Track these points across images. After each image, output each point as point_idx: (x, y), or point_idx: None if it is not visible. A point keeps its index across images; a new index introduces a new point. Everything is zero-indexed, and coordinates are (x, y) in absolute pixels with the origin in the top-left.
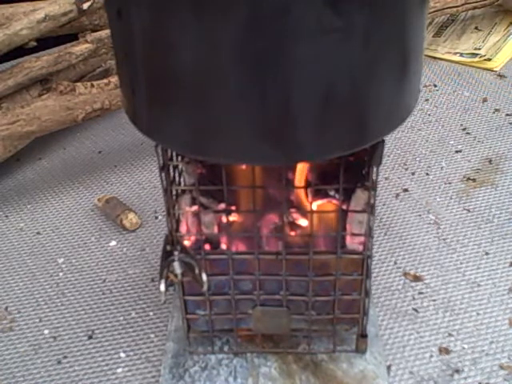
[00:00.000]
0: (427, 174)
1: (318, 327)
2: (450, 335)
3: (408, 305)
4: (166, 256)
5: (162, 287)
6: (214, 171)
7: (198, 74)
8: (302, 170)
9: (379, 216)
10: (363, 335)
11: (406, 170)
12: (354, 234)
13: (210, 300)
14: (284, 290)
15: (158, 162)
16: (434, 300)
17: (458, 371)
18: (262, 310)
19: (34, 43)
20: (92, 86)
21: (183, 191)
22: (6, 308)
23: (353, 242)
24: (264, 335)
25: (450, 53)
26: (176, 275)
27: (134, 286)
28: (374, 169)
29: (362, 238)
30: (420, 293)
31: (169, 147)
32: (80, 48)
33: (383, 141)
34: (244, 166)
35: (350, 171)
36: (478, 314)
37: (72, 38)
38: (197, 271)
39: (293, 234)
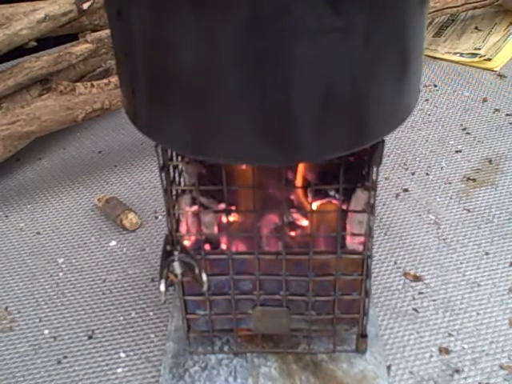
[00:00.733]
0: (427, 174)
1: (318, 327)
2: (450, 335)
3: (408, 305)
4: (166, 256)
5: (162, 287)
6: (214, 171)
7: (197, 73)
8: (302, 170)
9: (379, 216)
10: (363, 335)
11: (406, 169)
12: (353, 234)
13: (210, 300)
14: (284, 290)
15: (158, 162)
16: (434, 300)
17: (457, 371)
18: (262, 310)
19: (34, 43)
20: (92, 86)
21: (183, 191)
22: (6, 308)
23: (353, 242)
24: (264, 335)
25: (449, 53)
26: (176, 275)
27: (134, 286)
28: (374, 169)
29: (361, 238)
30: (420, 293)
31: (169, 147)
32: (80, 48)
33: (383, 141)
34: (244, 166)
35: (350, 171)
36: (478, 313)
37: (72, 38)
38: (197, 271)
39: (293, 233)
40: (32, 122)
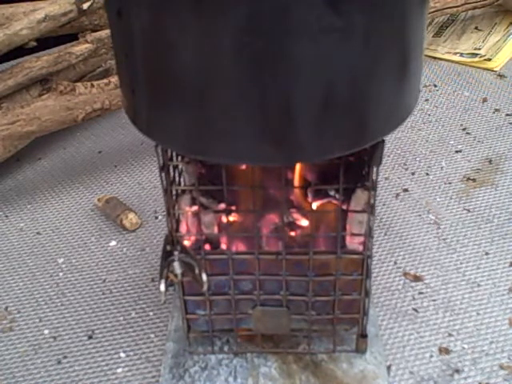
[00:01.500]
0: (427, 174)
1: (318, 327)
2: (450, 335)
3: (408, 305)
4: (166, 256)
5: (162, 287)
6: (214, 171)
7: (197, 73)
8: (302, 170)
9: (379, 216)
10: (363, 335)
11: (406, 170)
12: (353, 234)
13: (210, 300)
14: (284, 290)
15: (158, 162)
16: (434, 300)
17: (458, 371)
18: (262, 310)
19: (34, 43)
20: (92, 86)
21: (183, 191)
22: (6, 308)
23: (353, 242)
24: (264, 335)
25: (450, 53)
26: (176, 275)
27: (134, 286)
28: (374, 169)
29: (361, 238)
30: (420, 293)
31: (169, 147)
32: (80, 48)
33: (383, 141)
34: (244, 166)
35: (350, 171)
36: (478, 313)
37: (72, 38)
38: (197, 271)
39: (293, 234)
40: (32, 122)
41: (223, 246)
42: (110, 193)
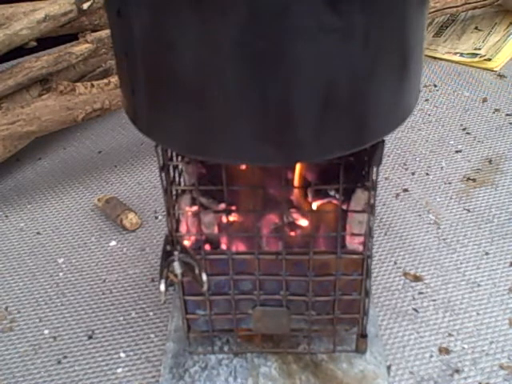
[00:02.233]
0: (427, 174)
1: (318, 327)
2: (450, 335)
3: (408, 305)
4: (166, 256)
5: (162, 287)
6: (214, 171)
7: (197, 73)
8: (302, 170)
9: (379, 216)
10: (363, 335)
11: (406, 170)
12: (353, 234)
13: (210, 300)
14: (284, 290)
15: (158, 162)
16: (434, 300)
17: (458, 371)
18: (262, 310)
19: (34, 43)
20: (92, 86)
21: (183, 191)
22: (6, 308)
23: (353, 242)
24: (264, 335)
25: (450, 53)
26: (176, 275)
27: (134, 286)
28: (374, 169)
29: (361, 238)
30: (420, 293)
31: (169, 147)
32: (80, 48)
33: (383, 141)
34: (244, 166)
35: (350, 171)
36: (478, 313)
37: (72, 37)
38: (197, 271)
39: (293, 234)
40: (32, 122)
41: (223, 246)
42: (110, 193)
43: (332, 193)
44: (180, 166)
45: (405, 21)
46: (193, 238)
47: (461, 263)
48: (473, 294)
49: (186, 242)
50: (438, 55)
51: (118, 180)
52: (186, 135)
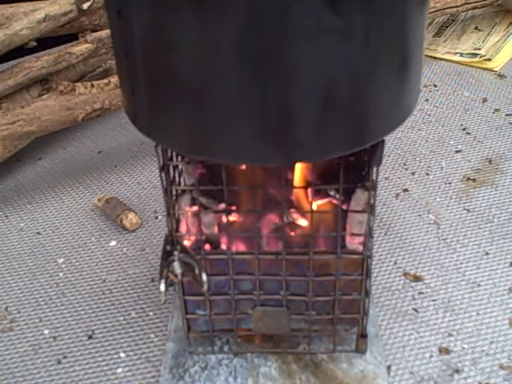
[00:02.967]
0: (427, 174)
1: (318, 327)
2: (450, 335)
3: (408, 305)
4: (166, 256)
5: (162, 287)
6: (214, 171)
7: (197, 73)
8: (302, 170)
9: (379, 216)
10: (363, 335)
11: (406, 170)
12: (353, 234)
13: (210, 300)
14: (284, 290)
15: (158, 162)
16: (434, 300)
17: (458, 371)
18: (262, 310)
19: (34, 43)
20: (92, 86)
21: (183, 191)
22: (6, 308)
23: (353, 242)
24: (264, 335)
25: (450, 53)
26: (176, 275)
27: (134, 286)
28: (374, 169)
29: (361, 238)
30: (420, 293)
31: (169, 147)
32: (80, 48)
33: (383, 141)
34: (244, 166)
35: (350, 171)
36: (478, 313)
37: (72, 37)
38: (197, 271)
39: (293, 234)
40: (32, 122)
41: (223, 246)
42: (110, 193)
43: (332, 193)
44: (180, 166)
45: (405, 21)
46: (193, 238)
47: (461, 263)
48: (473, 293)
49: (186, 242)
50: (438, 55)
51: (117, 180)
52: (186, 135)
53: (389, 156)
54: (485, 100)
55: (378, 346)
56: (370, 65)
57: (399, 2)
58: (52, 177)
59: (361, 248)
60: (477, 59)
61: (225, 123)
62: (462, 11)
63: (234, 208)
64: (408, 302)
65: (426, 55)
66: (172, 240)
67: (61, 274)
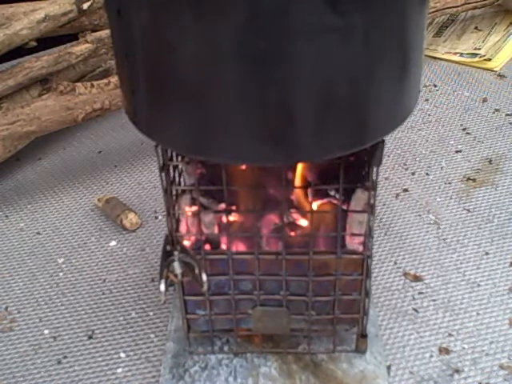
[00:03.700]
0: (427, 174)
1: (318, 327)
2: (450, 335)
3: (408, 305)
4: (166, 256)
5: (162, 287)
6: (214, 171)
7: (197, 73)
8: (302, 170)
9: (379, 216)
10: (363, 335)
11: (406, 170)
12: (353, 234)
13: (209, 300)
14: (284, 290)
15: (158, 162)
16: (434, 300)
17: (458, 371)
18: (262, 310)
19: (34, 43)
20: (92, 86)
21: (183, 191)
22: (6, 308)
23: (353, 242)
24: (264, 335)
25: (450, 53)
26: (176, 275)
27: (134, 286)
28: (374, 169)
29: (361, 238)
30: (420, 293)
31: (169, 147)
32: (80, 48)
33: (383, 141)
34: (244, 166)
35: (350, 171)
36: (478, 313)
37: (72, 38)
38: (197, 271)
39: (293, 234)
40: (32, 122)
41: (223, 246)
42: (110, 193)
43: (332, 193)
44: (180, 166)
45: (405, 21)
46: (193, 238)
47: (461, 263)
48: (473, 293)
49: (186, 242)
50: (437, 55)
51: (117, 180)
52: (186, 135)
53: (389, 156)
54: (485, 100)
55: (377, 346)
56: (370, 65)
57: (399, 2)
58: (52, 177)
59: (361, 248)
60: (477, 59)
61: (225, 123)
62: (462, 11)
63: (233, 208)
64: (408, 302)
65: (426, 55)
66: (172, 240)
67: (61, 273)
